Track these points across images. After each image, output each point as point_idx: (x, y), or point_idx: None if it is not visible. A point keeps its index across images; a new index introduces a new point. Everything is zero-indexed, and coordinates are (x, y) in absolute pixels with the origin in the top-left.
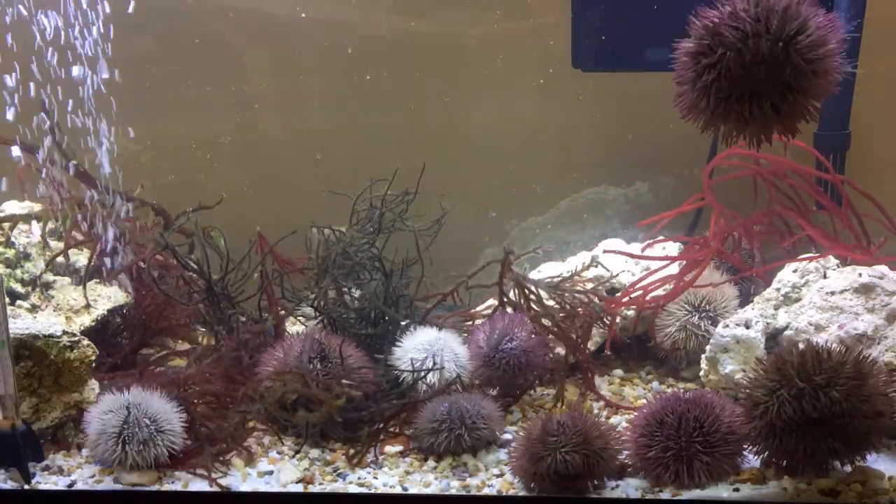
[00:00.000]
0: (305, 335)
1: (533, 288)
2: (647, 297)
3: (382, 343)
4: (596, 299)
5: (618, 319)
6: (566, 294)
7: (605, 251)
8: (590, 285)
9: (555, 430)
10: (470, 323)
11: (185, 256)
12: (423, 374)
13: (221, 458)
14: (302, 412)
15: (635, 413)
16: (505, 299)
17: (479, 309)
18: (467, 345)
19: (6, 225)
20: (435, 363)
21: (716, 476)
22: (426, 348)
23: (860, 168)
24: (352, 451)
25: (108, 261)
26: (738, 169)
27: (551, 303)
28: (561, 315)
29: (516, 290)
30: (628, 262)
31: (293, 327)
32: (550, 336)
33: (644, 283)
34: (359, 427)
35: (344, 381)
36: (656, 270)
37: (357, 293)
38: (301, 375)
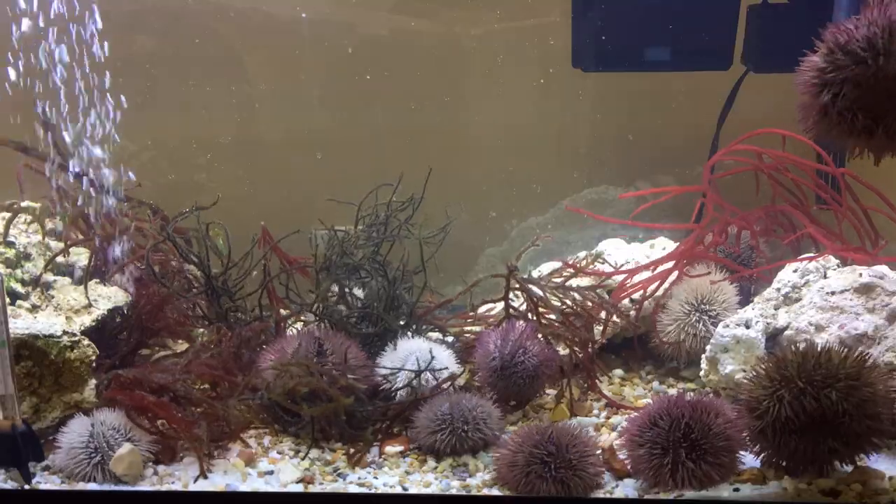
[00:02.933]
0: (304, 333)
1: (539, 293)
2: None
3: (382, 343)
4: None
5: (618, 319)
6: (572, 294)
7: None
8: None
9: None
10: (472, 322)
11: (186, 249)
12: (405, 385)
13: (218, 444)
14: (306, 406)
15: (634, 413)
16: (512, 311)
17: (481, 310)
18: (475, 349)
19: (4, 220)
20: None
21: (705, 482)
22: (409, 358)
23: (861, 168)
24: (352, 451)
25: (108, 257)
26: (740, 164)
27: (556, 302)
28: (567, 313)
29: (522, 295)
30: (629, 261)
31: (292, 327)
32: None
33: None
34: (363, 425)
35: (349, 375)
36: (652, 264)
37: (359, 291)
38: (306, 366)
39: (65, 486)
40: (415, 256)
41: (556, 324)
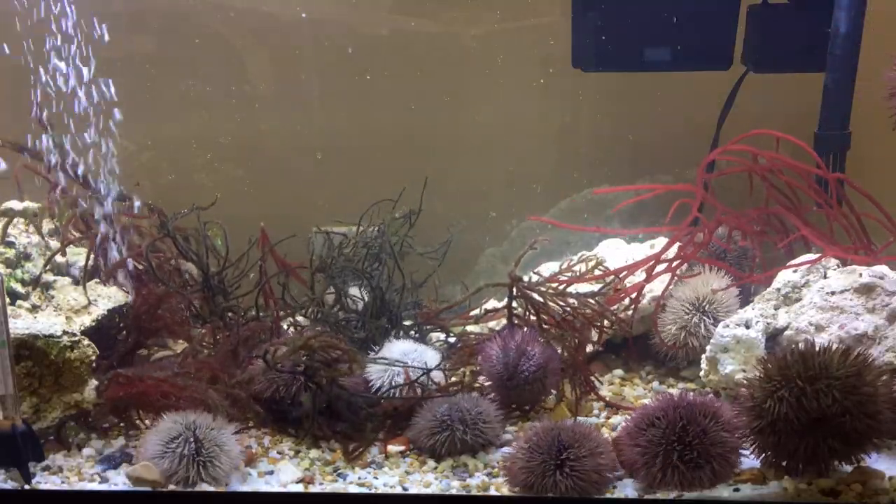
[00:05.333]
0: (298, 332)
1: (540, 298)
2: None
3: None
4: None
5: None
6: (572, 299)
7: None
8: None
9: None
10: (473, 322)
11: (184, 246)
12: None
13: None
14: (307, 396)
15: (633, 413)
16: (515, 320)
17: (482, 310)
18: (478, 356)
19: (2, 221)
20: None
21: (696, 485)
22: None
23: (861, 169)
24: (351, 447)
25: (106, 257)
26: (734, 164)
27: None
28: (567, 319)
29: (523, 300)
30: (628, 261)
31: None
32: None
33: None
34: (364, 417)
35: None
36: (643, 264)
37: (355, 290)
38: (308, 338)
39: (65, 486)
40: (415, 264)
41: (555, 328)
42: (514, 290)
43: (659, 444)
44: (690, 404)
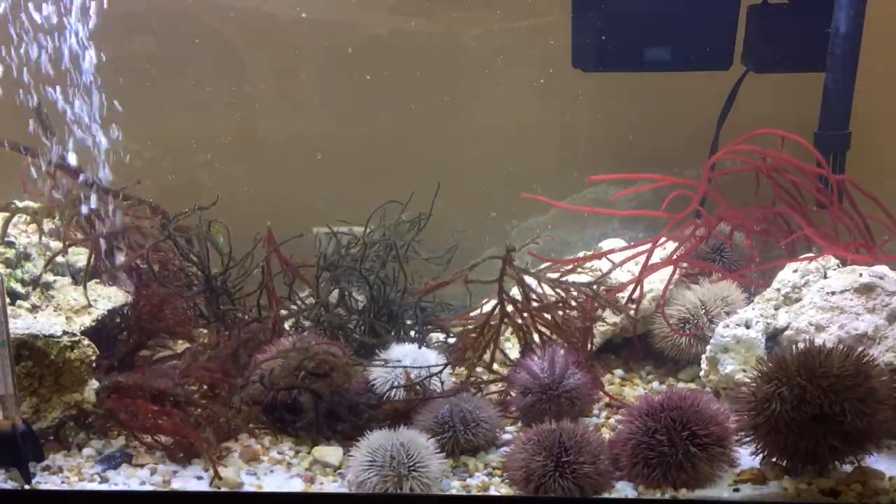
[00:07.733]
0: (299, 336)
1: (534, 284)
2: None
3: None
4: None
5: (618, 319)
6: (569, 288)
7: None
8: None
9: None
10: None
11: (186, 248)
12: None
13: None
14: (307, 398)
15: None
16: (505, 296)
17: (485, 309)
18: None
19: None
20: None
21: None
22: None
23: (860, 168)
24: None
25: (107, 259)
26: (739, 164)
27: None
28: (562, 310)
29: (518, 288)
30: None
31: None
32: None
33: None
34: (368, 425)
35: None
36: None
37: (360, 296)
38: (305, 349)
39: (65, 486)
40: (417, 264)
41: (552, 319)
42: (513, 274)
43: (648, 444)
44: (678, 405)
